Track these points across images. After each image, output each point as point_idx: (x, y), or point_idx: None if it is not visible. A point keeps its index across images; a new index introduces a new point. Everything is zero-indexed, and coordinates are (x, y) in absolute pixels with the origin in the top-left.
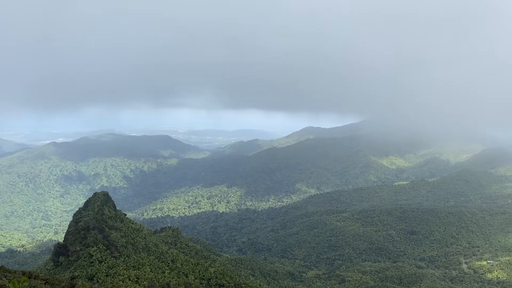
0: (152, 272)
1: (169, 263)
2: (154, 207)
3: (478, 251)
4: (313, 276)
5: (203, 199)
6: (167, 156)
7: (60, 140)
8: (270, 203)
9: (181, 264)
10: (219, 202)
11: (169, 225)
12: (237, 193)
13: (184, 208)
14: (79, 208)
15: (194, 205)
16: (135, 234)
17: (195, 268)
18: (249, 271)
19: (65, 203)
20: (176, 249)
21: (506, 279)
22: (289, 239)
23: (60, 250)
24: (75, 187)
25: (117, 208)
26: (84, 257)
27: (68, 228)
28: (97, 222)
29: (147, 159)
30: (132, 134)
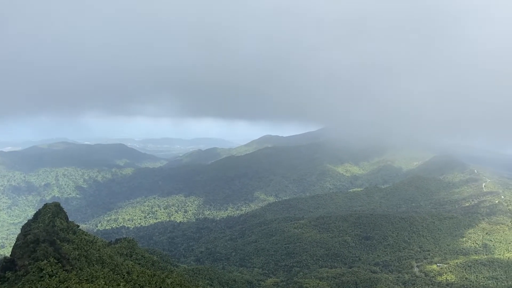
0: (107, 285)
1: (124, 275)
2: (108, 218)
3: (429, 254)
4: (271, 284)
5: (160, 209)
6: (122, 165)
7: (8, 149)
8: (228, 211)
9: (137, 276)
10: (176, 211)
11: (124, 236)
12: (195, 202)
13: (140, 219)
14: (28, 220)
15: (150, 215)
16: (89, 246)
17: (151, 279)
18: (207, 281)
19: (12, 215)
20: (131, 260)
21: (454, 281)
22: (248, 247)
23: (7, 265)
24: (24, 198)
25: (70, 219)
26: (33, 272)
27: (16, 242)
28: (48, 234)
29: (101, 169)
30: (86, 143)
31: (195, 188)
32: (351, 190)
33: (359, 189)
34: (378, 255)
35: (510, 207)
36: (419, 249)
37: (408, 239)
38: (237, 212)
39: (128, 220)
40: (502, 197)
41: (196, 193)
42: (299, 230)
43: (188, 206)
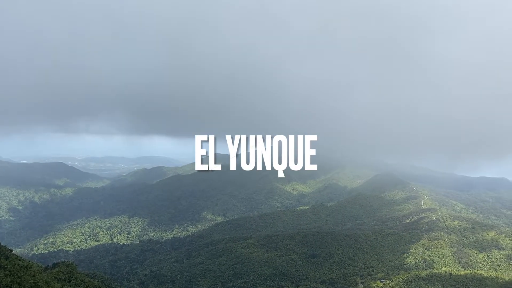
0: None
1: None
2: (45, 241)
3: (372, 271)
4: None
5: (102, 231)
6: (62, 185)
7: None
8: (174, 232)
9: None
10: (119, 233)
11: (63, 260)
12: (139, 223)
13: (80, 241)
14: None
15: (91, 237)
16: (23, 271)
17: None
18: None
19: None
20: (70, 286)
21: None
22: (194, 269)
23: None
24: None
25: (2, 243)
26: None
27: None
28: None
29: (38, 189)
30: (22, 162)
31: (140, 209)
32: (298, 208)
33: (306, 207)
34: (324, 273)
35: (446, 223)
36: (363, 266)
37: (353, 256)
38: (184, 232)
39: (67, 243)
40: (439, 213)
41: (140, 214)
42: (247, 250)
43: (131, 227)
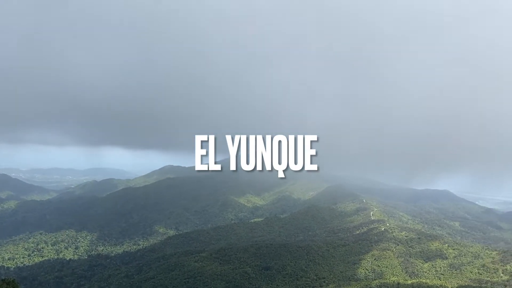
0: None
1: None
2: None
3: (324, 282)
4: None
5: (47, 246)
6: (5, 198)
7: None
8: (124, 247)
9: None
10: (66, 248)
11: (3, 277)
12: (88, 237)
13: (23, 257)
14: None
15: (35, 253)
16: None
17: None
18: None
19: None
20: None
21: None
22: (145, 284)
23: None
24: None
25: None
26: None
27: None
28: None
29: None
30: None
31: (88, 222)
32: (252, 221)
33: (259, 219)
34: (277, 285)
35: (394, 234)
36: (315, 277)
37: (305, 267)
38: (134, 247)
39: (8, 259)
40: (388, 224)
41: (89, 228)
42: (200, 263)
43: (79, 242)
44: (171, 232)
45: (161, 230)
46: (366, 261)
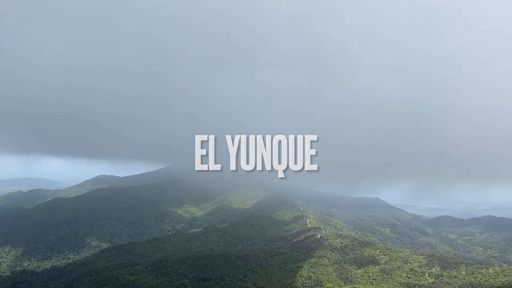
0: None
1: None
2: None
3: None
4: None
5: None
6: None
7: None
8: (53, 261)
9: None
10: None
11: None
12: (12, 252)
13: None
14: None
15: None
16: None
17: None
18: None
19: None
20: None
21: None
22: None
23: None
24: None
25: None
26: None
27: None
28: None
29: None
30: None
31: (13, 236)
32: (190, 231)
33: (198, 230)
34: None
35: (329, 241)
36: (253, 287)
37: (244, 277)
38: (64, 261)
39: None
40: (323, 232)
41: (13, 242)
42: (135, 276)
43: (2, 257)
44: (104, 245)
45: (93, 243)
46: (303, 268)
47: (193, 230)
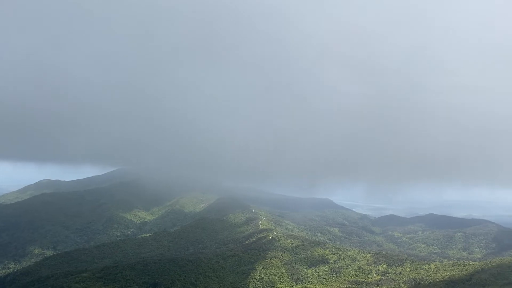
0: None
1: None
2: None
3: None
4: None
5: None
6: None
7: None
8: None
9: None
10: None
11: None
12: None
13: None
14: None
15: None
16: None
17: None
18: None
19: None
20: None
21: None
22: None
23: None
24: None
25: None
26: None
27: None
28: None
29: None
30: None
31: None
32: (139, 236)
33: (148, 235)
34: None
35: (280, 242)
36: None
37: (195, 281)
38: (4, 271)
39: None
40: (275, 233)
41: None
42: (81, 284)
43: None
44: (48, 253)
45: (36, 251)
46: (255, 270)
47: (143, 235)
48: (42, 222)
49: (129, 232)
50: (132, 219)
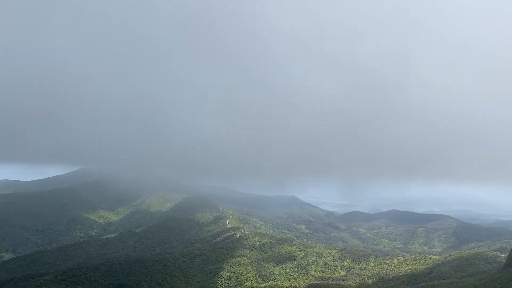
0: None
1: None
2: None
3: None
4: None
5: None
6: None
7: None
8: None
9: None
10: None
11: None
12: None
13: None
14: None
15: None
16: None
17: None
18: None
19: None
20: None
21: None
22: None
23: None
24: None
25: None
26: None
27: None
28: None
29: None
30: None
31: None
32: (104, 237)
33: (113, 235)
34: None
35: (248, 240)
36: None
37: (162, 281)
38: None
39: None
40: (242, 231)
41: None
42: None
43: None
44: (7, 256)
45: None
46: (223, 269)
47: (108, 236)
48: (0, 224)
49: (93, 233)
50: (96, 220)
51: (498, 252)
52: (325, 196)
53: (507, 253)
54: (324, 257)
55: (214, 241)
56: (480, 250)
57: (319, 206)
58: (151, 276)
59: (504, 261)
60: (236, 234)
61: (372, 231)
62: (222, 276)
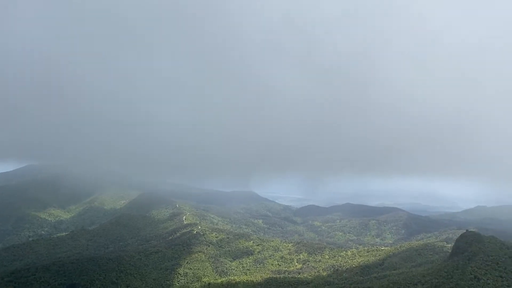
0: None
1: None
2: None
3: None
4: None
5: None
6: None
7: None
8: None
9: None
10: None
11: None
12: None
13: None
14: None
15: None
16: None
17: None
18: None
19: None
20: None
21: None
22: None
23: None
24: None
25: None
26: None
27: None
28: None
29: None
30: None
31: None
32: (55, 236)
33: (64, 234)
34: None
35: (205, 236)
36: None
37: (116, 279)
38: None
39: None
40: (199, 227)
41: None
42: None
43: None
44: None
45: None
46: (179, 265)
47: (59, 234)
48: None
49: (43, 232)
50: (46, 218)
51: (445, 243)
52: (285, 191)
53: (453, 243)
54: (280, 250)
55: (170, 237)
56: (428, 241)
57: (276, 201)
58: (105, 275)
59: (450, 251)
60: (193, 230)
61: (327, 224)
62: (179, 273)
